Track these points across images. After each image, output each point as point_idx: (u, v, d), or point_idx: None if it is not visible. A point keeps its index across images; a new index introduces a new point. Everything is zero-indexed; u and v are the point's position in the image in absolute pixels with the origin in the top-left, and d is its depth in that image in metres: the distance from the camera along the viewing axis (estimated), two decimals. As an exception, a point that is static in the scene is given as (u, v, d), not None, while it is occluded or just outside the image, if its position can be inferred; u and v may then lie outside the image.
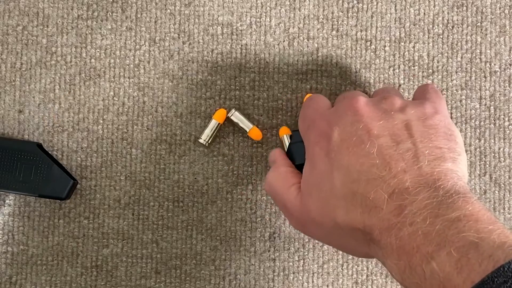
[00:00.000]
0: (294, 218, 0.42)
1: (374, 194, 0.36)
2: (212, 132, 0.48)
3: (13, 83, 0.49)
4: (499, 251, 0.31)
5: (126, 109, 0.49)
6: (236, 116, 0.48)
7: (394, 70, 0.49)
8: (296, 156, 0.44)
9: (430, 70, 0.49)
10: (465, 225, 0.32)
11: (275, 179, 0.43)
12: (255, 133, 0.48)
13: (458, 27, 0.50)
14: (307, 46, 0.49)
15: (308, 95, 0.48)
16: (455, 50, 0.50)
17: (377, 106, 0.40)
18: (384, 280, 0.49)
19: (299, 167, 0.43)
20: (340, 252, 0.49)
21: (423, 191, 0.35)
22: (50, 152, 0.48)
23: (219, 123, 0.48)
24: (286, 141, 0.48)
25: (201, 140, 0.48)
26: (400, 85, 0.49)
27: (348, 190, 0.37)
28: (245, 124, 0.48)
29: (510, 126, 0.49)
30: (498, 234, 0.32)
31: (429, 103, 0.40)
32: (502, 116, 0.49)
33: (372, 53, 0.49)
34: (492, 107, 0.49)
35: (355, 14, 0.49)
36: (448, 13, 0.50)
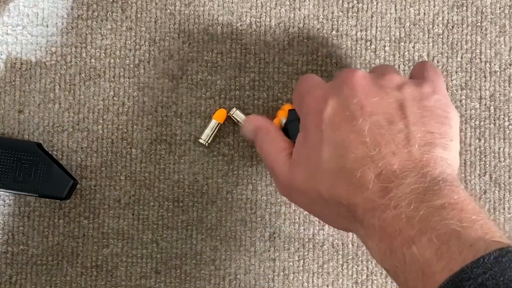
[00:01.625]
0: (281, 183, 0.42)
1: (361, 173, 0.36)
2: (212, 132, 0.48)
3: (13, 83, 0.49)
4: (480, 242, 0.31)
5: (126, 109, 0.49)
6: (237, 115, 0.48)
7: (394, 70, 0.49)
8: (293, 135, 0.44)
9: (430, 70, 0.49)
10: (449, 213, 0.32)
11: (268, 145, 0.43)
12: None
13: (458, 27, 0.50)
14: (307, 46, 0.49)
15: (286, 105, 0.48)
16: (455, 50, 0.50)
17: (374, 82, 0.39)
18: (384, 280, 0.49)
19: None
20: (340, 252, 0.49)
21: (410, 176, 0.35)
22: (50, 152, 0.48)
23: (219, 123, 0.48)
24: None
25: (201, 140, 0.48)
26: (400, 85, 0.49)
27: (335, 165, 0.37)
28: None
29: (510, 126, 0.49)
30: (481, 225, 0.32)
31: (427, 83, 0.40)
32: (502, 116, 0.49)
33: (372, 53, 0.49)
34: (492, 107, 0.49)
35: (355, 14, 0.49)
36: (448, 13, 0.50)
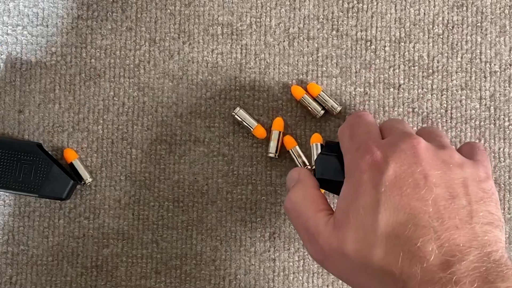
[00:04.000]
0: (319, 245, 0.39)
1: (422, 243, 0.34)
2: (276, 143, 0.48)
3: (13, 83, 0.49)
4: None
5: (126, 109, 0.49)
6: (241, 114, 0.48)
7: (394, 70, 0.49)
8: (323, 169, 0.42)
9: (430, 70, 0.49)
10: None
11: (301, 200, 0.41)
12: (259, 131, 0.48)
13: (458, 27, 0.50)
14: (307, 46, 0.49)
15: (311, 84, 0.48)
16: (455, 50, 0.50)
17: (436, 155, 0.38)
18: (384, 280, 0.49)
19: (323, 181, 0.42)
20: (340, 252, 0.49)
21: (474, 253, 0.34)
22: (50, 152, 0.48)
23: (280, 132, 0.48)
24: (315, 150, 0.47)
25: (270, 154, 0.48)
26: (400, 85, 0.49)
27: (393, 230, 0.36)
28: (249, 122, 0.48)
29: (510, 126, 0.49)
30: None
31: (482, 167, 0.39)
32: (502, 116, 0.49)
33: (372, 53, 0.49)
34: (492, 107, 0.49)
35: (355, 14, 0.49)
36: (448, 13, 0.50)
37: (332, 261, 0.39)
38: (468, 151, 0.42)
